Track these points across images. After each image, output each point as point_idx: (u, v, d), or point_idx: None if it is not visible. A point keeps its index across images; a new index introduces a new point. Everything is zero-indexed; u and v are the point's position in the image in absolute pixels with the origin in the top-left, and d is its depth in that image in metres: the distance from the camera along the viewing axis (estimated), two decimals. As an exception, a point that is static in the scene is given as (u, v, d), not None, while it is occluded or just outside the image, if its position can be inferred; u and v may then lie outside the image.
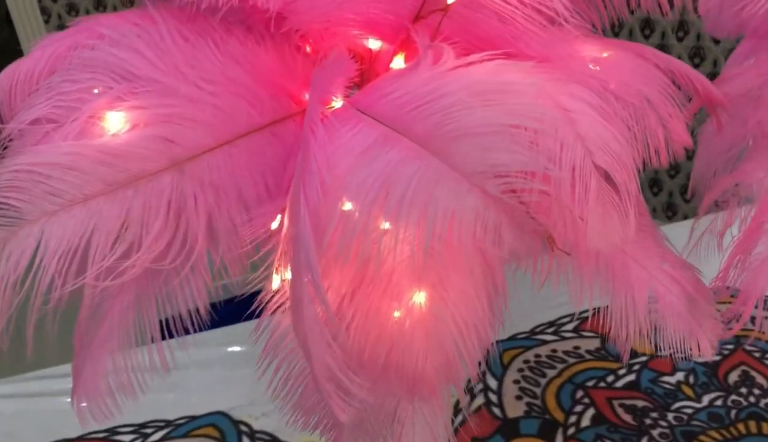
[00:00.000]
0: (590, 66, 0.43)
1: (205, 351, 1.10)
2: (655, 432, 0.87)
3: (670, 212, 2.88)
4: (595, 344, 1.04)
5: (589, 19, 0.47)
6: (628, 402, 0.93)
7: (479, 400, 0.95)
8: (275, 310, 0.42)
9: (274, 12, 0.44)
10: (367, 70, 0.47)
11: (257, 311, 0.43)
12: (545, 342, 1.06)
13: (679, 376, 0.97)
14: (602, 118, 0.38)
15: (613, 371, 0.98)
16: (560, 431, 0.88)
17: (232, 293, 0.44)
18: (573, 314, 1.11)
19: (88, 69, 0.45)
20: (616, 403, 0.93)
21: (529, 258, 0.45)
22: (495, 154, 0.34)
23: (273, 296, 0.42)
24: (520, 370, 1.01)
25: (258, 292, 0.44)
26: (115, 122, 0.43)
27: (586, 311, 1.12)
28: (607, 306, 0.45)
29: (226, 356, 1.09)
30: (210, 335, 1.15)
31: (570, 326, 1.08)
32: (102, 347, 0.43)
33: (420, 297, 0.40)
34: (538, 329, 1.09)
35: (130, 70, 0.45)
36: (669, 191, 2.93)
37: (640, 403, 0.92)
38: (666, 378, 0.97)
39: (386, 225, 0.40)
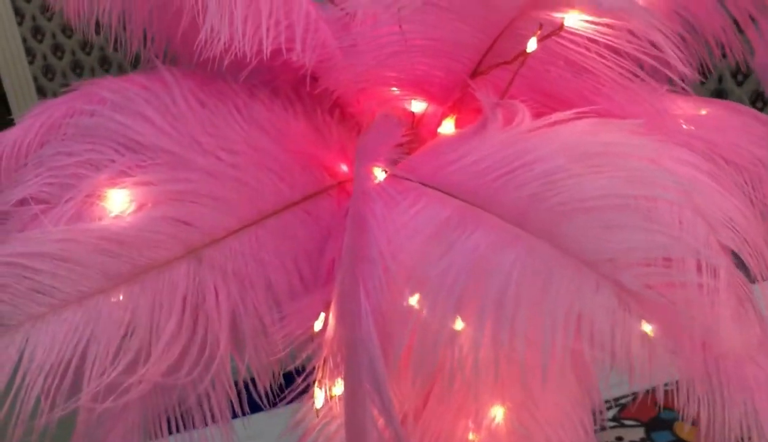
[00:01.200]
0: (685, 125, 0.36)
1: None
2: None
3: None
4: (639, 434, 0.95)
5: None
6: (684, 502, 0.83)
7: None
8: (318, 435, 0.34)
9: (309, 69, 0.37)
10: (410, 137, 0.40)
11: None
12: (584, 433, 0.96)
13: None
14: (719, 187, 0.31)
15: (663, 465, 0.89)
16: None
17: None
18: (611, 400, 1.02)
19: (87, 139, 0.38)
20: (670, 502, 0.83)
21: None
22: (625, 235, 0.26)
23: (315, 417, 0.34)
24: (560, 466, 0.91)
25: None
26: (118, 202, 0.36)
27: (626, 396, 1.03)
28: (713, 418, 0.37)
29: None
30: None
31: (610, 414, 0.99)
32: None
33: (501, 415, 0.32)
34: (574, 418, 0.99)
35: (136, 138, 0.38)
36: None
37: (699, 503, 0.82)
38: (723, 472, 0.87)
39: (460, 325, 0.32)
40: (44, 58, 0.77)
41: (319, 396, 0.33)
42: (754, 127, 0.37)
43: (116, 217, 0.35)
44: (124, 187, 0.36)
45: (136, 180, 0.36)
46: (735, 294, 0.29)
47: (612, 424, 0.97)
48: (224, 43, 0.34)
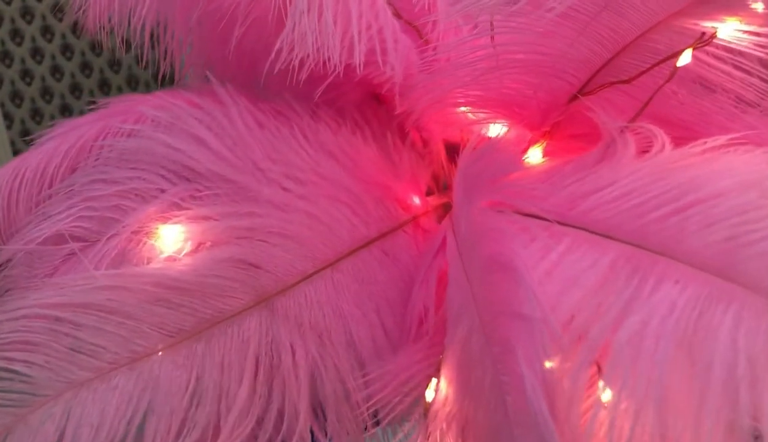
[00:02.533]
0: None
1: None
2: None
3: None
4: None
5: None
6: None
7: None
8: None
9: (398, 84, 0.32)
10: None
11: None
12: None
13: None
14: None
15: None
16: None
17: None
18: None
19: (129, 164, 0.32)
20: None
21: None
22: None
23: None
24: None
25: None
26: (172, 239, 0.30)
27: None
28: None
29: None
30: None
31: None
32: None
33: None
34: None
35: (189, 164, 0.32)
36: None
37: None
38: None
39: (608, 395, 0.26)
40: (72, 76, 0.71)
41: None
42: None
43: (171, 258, 0.29)
44: (178, 223, 0.30)
45: (192, 214, 0.30)
46: None
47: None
48: (310, 47, 0.28)
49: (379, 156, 0.36)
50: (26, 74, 0.74)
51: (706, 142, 0.28)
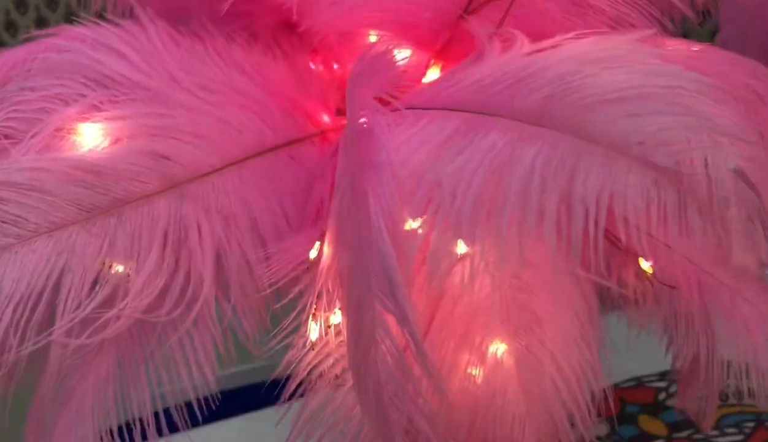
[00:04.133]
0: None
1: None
2: None
3: None
4: (604, 429, 0.94)
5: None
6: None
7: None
8: (311, 371, 0.32)
9: (295, 5, 0.35)
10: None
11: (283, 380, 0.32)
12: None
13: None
14: (723, 106, 0.30)
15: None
16: None
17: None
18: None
19: (54, 74, 0.35)
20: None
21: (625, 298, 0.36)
22: (652, 119, 0.25)
23: (307, 353, 0.32)
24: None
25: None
26: (91, 136, 0.33)
27: (589, 394, 1.02)
28: (711, 354, 0.36)
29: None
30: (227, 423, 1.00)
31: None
32: (67, 437, 0.31)
33: (504, 349, 0.31)
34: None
35: (109, 74, 0.35)
36: None
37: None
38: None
39: (462, 248, 0.30)
40: (7, 13, 0.74)
41: (314, 329, 0.31)
42: (743, 60, 0.37)
43: (90, 150, 0.33)
44: (96, 122, 0.34)
45: (109, 114, 0.34)
46: (745, 207, 0.29)
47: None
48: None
49: (290, 75, 0.40)
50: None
51: (559, 40, 0.32)
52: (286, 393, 0.32)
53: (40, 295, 0.29)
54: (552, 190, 0.25)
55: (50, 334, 0.29)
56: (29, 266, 0.29)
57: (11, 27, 0.82)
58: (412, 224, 0.29)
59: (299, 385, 0.32)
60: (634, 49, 0.30)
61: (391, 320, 0.25)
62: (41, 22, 0.81)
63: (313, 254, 0.32)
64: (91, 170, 0.31)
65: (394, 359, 0.25)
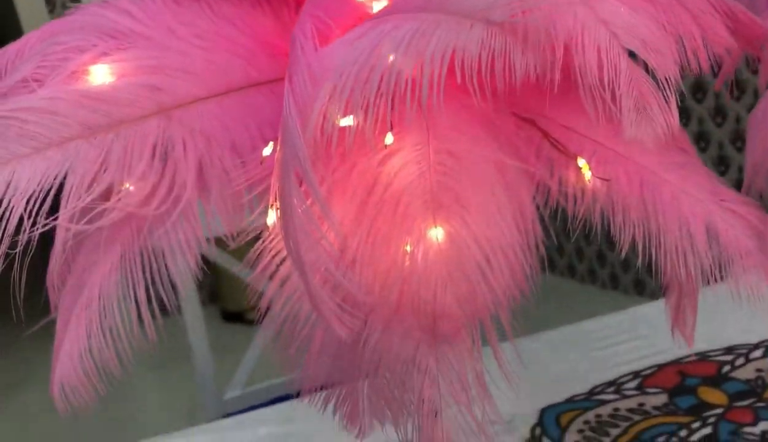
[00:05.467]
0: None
1: (236, 435, 1.03)
2: (743, 484, 0.75)
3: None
4: (662, 399, 0.94)
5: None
6: (707, 455, 0.82)
7: (536, 464, 0.85)
8: (275, 256, 0.37)
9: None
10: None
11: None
12: (605, 402, 0.95)
13: (764, 425, 0.85)
14: (625, 5, 0.33)
15: (686, 426, 0.88)
16: (632, 489, 0.77)
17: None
18: (635, 372, 1.01)
19: (75, 31, 0.43)
20: (693, 457, 0.82)
21: (561, 188, 0.39)
22: None
23: (271, 239, 0.37)
24: (580, 431, 0.90)
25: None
26: (100, 74, 0.41)
27: (649, 367, 1.02)
28: (658, 246, 0.39)
29: (258, 440, 1.02)
30: (241, 420, 1.08)
31: (632, 384, 0.98)
32: (80, 318, 0.38)
33: (436, 229, 0.35)
34: (597, 390, 0.99)
35: (118, 28, 0.43)
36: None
37: (722, 455, 0.81)
38: (749, 429, 0.85)
39: (390, 139, 0.35)
40: None
41: (271, 216, 0.37)
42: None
43: (97, 84, 0.40)
44: (105, 63, 0.41)
45: (115, 57, 0.41)
46: (637, 85, 0.32)
47: (634, 393, 0.97)
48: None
49: (276, 26, 0.47)
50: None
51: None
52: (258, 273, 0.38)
53: (48, 190, 0.36)
54: (414, 50, 0.30)
55: (56, 218, 0.35)
56: (41, 168, 0.36)
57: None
58: (343, 121, 0.34)
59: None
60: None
61: (299, 180, 0.30)
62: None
63: (267, 150, 0.38)
64: (96, 98, 0.39)
65: (305, 214, 0.30)
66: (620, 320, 1.17)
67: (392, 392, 0.34)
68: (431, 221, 0.34)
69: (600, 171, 0.39)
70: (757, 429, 0.85)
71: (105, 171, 0.37)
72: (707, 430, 0.86)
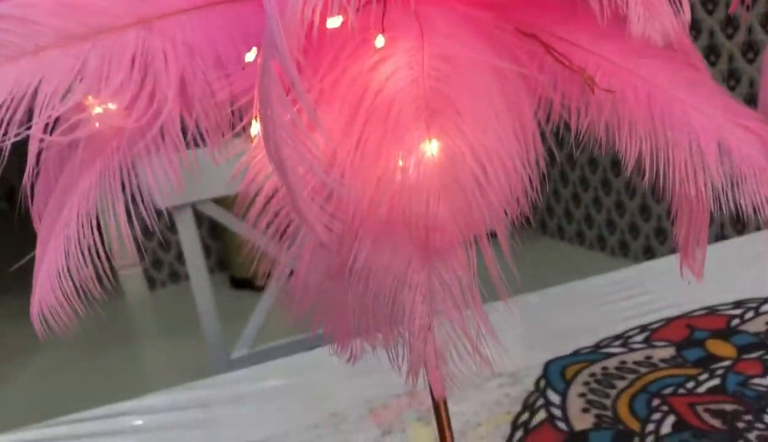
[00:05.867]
0: None
1: (241, 386, 1.02)
2: (751, 435, 0.74)
3: (740, 226, 2.73)
4: (669, 352, 0.92)
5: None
6: (714, 407, 0.80)
7: (540, 415, 0.84)
8: (260, 171, 0.35)
9: None
10: None
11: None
12: (612, 355, 0.94)
13: (773, 377, 0.84)
14: None
15: (693, 378, 0.86)
16: (637, 440, 0.76)
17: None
18: (643, 326, 1.00)
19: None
20: (700, 408, 0.80)
21: (564, 100, 0.37)
22: None
23: (255, 154, 0.35)
24: (586, 383, 0.89)
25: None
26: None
27: (657, 321, 1.01)
28: (666, 162, 0.37)
29: (262, 391, 1.01)
30: (246, 372, 1.08)
31: (639, 338, 0.97)
32: (59, 238, 0.37)
33: (430, 140, 0.33)
34: (603, 343, 0.98)
35: None
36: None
37: (729, 407, 0.79)
38: (757, 381, 0.84)
39: (381, 42, 0.33)
40: None
41: (255, 126, 0.35)
42: None
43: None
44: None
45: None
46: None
47: (641, 346, 0.95)
48: None
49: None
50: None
51: None
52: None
53: (21, 99, 0.34)
54: None
55: (29, 128, 0.34)
56: (13, 77, 0.34)
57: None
58: (330, 21, 0.32)
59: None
60: None
61: (289, 94, 0.28)
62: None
63: (251, 56, 0.36)
64: (72, 6, 0.37)
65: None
66: (629, 275, 1.16)
67: (382, 311, 0.33)
68: (424, 128, 0.32)
69: (605, 84, 0.37)
70: (766, 381, 0.83)
71: (81, 81, 0.35)
72: (715, 382, 0.85)
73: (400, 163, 0.33)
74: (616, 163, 3.31)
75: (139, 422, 0.96)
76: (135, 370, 3.42)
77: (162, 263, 4.45)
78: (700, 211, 0.40)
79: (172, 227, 4.39)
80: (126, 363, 3.50)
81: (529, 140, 0.35)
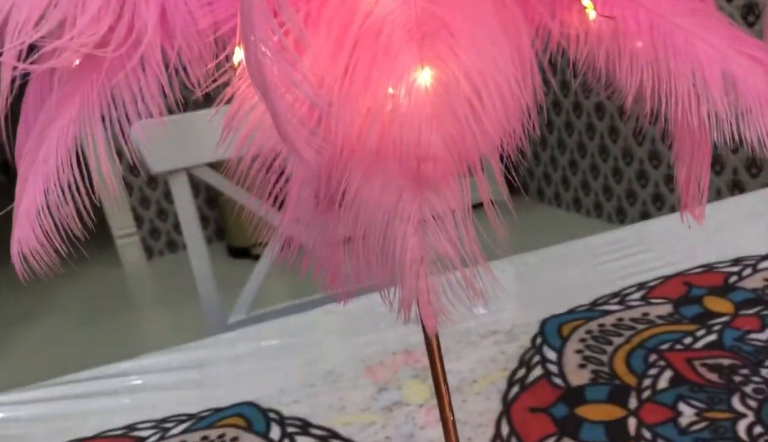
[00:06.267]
0: None
1: (237, 347, 1.02)
2: (747, 388, 0.74)
3: (737, 190, 2.72)
4: (666, 309, 0.92)
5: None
6: (711, 362, 0.80)
7: (536, 372, 0.83)
8: (244, 101, 0.34)
9: None
10: None
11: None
12: (609, 312, 0.94)
13: (771, 332, 0.83)
14: None
15: (691, 334, 0.86)
16: (634, 394, 0.76)
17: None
18: (640, 284, 0.99)
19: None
20: (697, 363, 0.80)
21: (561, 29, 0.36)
22: None
23: (240, 83, 0.34)
24: (583, 340, 0.89)
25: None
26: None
27: (655, 279, 1.00)
28: (668, 93, 0.35)
29: (258, 350, 1.01)
30: (243, 333, 1.07)
31: (637, 295, 0.96)
32: (38, 175, 0.35)
33: (422, 66, 0.31)
34: (600, 301, 0.97)
35: None
36: (733, 168, 2.79)
37: (726, 361, 0.79)
38: (754, 336, 0.83)
39: None
40: None
41: (238, 53, 0.33)
42: None
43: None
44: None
45: None
46: None
47: (638, 303, 0.94)
48: None
49: None
50: None
51: None
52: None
53: (-7, 27, 0.32)
54: None
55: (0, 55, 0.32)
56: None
57: None
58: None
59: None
60: None
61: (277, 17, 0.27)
62: None
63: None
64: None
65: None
66: (627, 235, 1.15)
67: (373, 246, 0.31)
68: (416, 53, 0.31)
69: (605, 12, 0.35)
70: (764, 336, 0.83)
71: (55, 7, 0.33)
72: (712, 337, 0.84)
73: (391, 91, 0.31)
74: (613, 130, 3.29)
75: (137, 381, 0.96)
76: (133, 338, 3.43)
77: (159, 232, 4.44)
78: (703, 144, 0.38)
79: (168, 196, 4.37)
80: (124, 331, 3.51)
81: (526, 67, 0.33)
